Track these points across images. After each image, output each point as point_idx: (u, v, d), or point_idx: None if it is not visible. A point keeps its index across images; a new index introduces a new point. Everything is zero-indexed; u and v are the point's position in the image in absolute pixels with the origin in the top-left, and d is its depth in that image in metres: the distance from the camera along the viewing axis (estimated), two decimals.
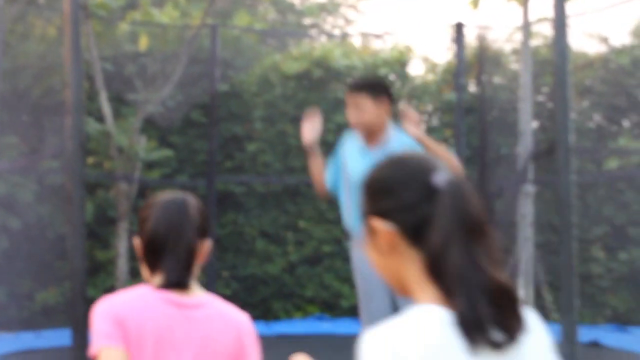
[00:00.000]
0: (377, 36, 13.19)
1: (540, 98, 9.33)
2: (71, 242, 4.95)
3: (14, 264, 8.43)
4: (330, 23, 15.82)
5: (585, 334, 7.44)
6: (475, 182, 8.21)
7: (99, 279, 8.81)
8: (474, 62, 9.17)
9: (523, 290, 8.86)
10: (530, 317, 1.54)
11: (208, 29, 9.15)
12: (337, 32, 15.23)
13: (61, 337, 6.92)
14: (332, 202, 9.45)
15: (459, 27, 8.81)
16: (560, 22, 4.86)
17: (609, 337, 7.99)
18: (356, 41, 12.94)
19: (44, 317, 8.52)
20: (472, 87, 9.44)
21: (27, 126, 8.50)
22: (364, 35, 13.15)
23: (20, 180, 8.30)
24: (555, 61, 4.74)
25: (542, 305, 8.88)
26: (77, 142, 4.97)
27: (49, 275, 8.59)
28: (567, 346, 5.03)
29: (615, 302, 8.89)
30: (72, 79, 4.87)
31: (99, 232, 8.86)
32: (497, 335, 1.43)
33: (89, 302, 4.96)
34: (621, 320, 8.76)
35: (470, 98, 9.14)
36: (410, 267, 1.53)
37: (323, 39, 12.91)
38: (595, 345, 7.71)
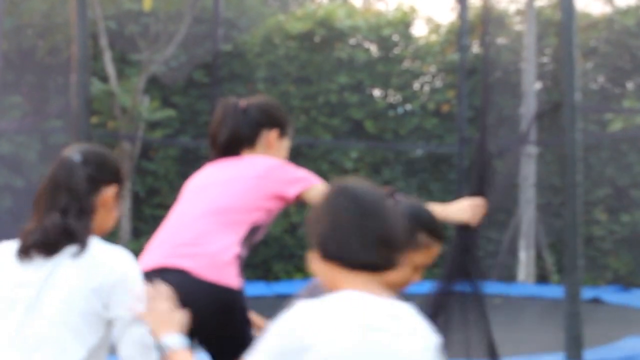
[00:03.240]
0: None
1: (544, 59, 9.30)
2: None
3: (18, 223, 8.44)
4: None
5: (587, 292, 7.48)
6: (477, 143, 8.21)
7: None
8: (478, 23, 9.12)
9: (524, 252, 8.90)
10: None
11: None
12: None
13: None
14: (334, 163, 9.46)
15: None
16: None
17: (611, 297, 8.03)
18: (357, 2, 12.87)
19: None
20: (476, 48, 9.41)
21: (31, 85, 8.48)
22: None
23: (24, 140, 8.29)
24: (561, 18, 4.72)
25: (543, 267, 8.93)
26: (82, 99, 4.97)
27: None
28: (571, 305, 5.05)
29: (616, 264, 8.92)
30: (78, 35, 4.86)
31: None
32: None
33: None
34: (622, 282, 8.80)
35: (473, 59, 9.11)
36: None
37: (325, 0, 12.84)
38: (596, 301, 7.75)
